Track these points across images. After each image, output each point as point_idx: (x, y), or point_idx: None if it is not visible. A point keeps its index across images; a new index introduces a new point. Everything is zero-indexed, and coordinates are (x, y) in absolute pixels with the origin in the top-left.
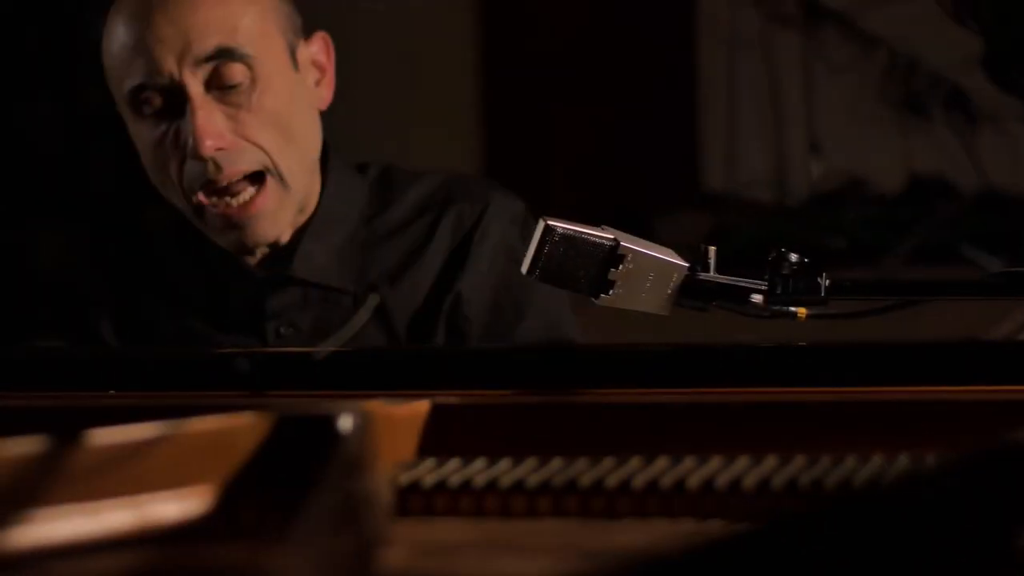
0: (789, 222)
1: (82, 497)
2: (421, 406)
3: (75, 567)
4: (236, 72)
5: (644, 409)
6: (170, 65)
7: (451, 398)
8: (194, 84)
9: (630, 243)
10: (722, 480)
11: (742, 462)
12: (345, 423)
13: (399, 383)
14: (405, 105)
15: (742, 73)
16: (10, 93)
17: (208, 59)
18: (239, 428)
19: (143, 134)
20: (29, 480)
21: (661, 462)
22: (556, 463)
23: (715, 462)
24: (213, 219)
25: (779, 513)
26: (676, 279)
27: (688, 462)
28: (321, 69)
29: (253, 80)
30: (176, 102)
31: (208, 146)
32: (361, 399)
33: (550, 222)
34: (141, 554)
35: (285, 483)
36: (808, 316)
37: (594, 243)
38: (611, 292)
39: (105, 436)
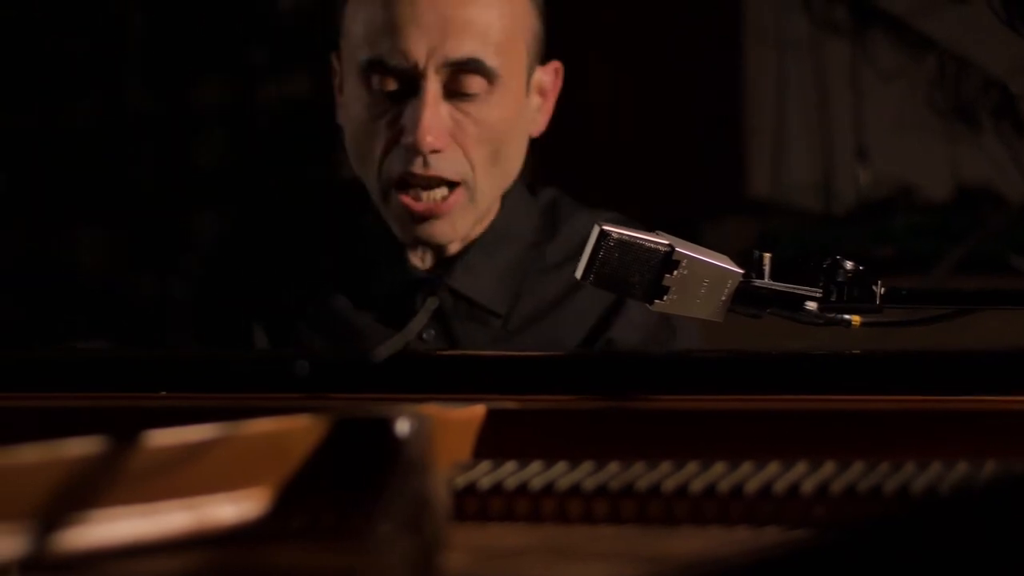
0: (836, 229)
1: (139, 498)
2: (477, 410)
3: (132, 568)
4: (475, 83)
5: (701, 415)
6: (418, 53)
7: (507, 402)
8: (434, 80)
9: (685, 249)
10: (780, 486)
11: (800, 468)
12: (403, 426)
13: (456, 387)
14: None
15: (790, 79)
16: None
17: (456, 63)
18: (296, 430)
19: (361, 105)
20: (87, 481)
21: (718, 467)
22: (612, 467)
23: (773, 467)
24: (398, 207)
25: (837, 521)
26: (731, 285)
27: (745, 467)
28: (544, 96)
29: (488, 94)
30: (408, 88)
31: (428, 143)
32: (417, 403)
33: (605, 227)
34: (198, 556)
35: (342, 486)
36: (862, 324)
37: (649, 248)
38: (665, 298)
39: (163, 437)
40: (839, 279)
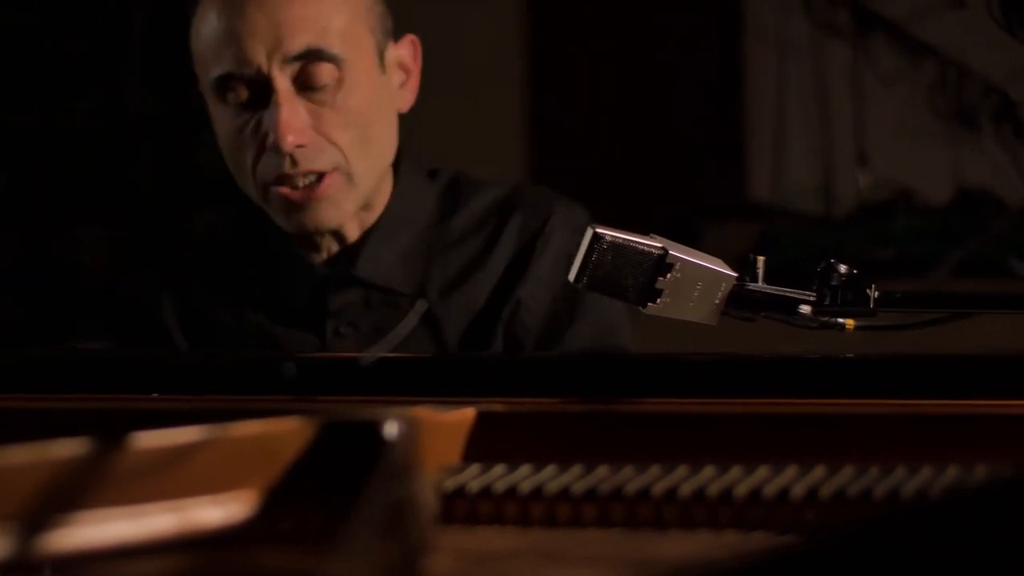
0: (836, 233)
1: (125, 500)
2: (467, 413)
3: (118, 570)
4: (324, 72)
5: (690, 419)
6: (259, 58)
7: (497, 405)
8: (281, 79)
9: (679, 252)
10: (769, 490)
11: (790, 472)
12: (391, 429)
13: (445, 390)
14: (456, 113)
15: (790, 82)
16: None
17: (298, 57)
18: (284, 433)
19: (224, 120)
20: (73, 483)
21: (707, 471)
22: (601, 471)
23: (762, 471)
24: (277, 201)
25: (827, 525)
26: (724, 289)
27: (735, 471)
28: (407, 71)
29: (340, 80)
30: (261, 94)
31: (290, 142)
32: (407, 405)
33: (598, 230)
34: (184, 558)
35: (329, 489)
36: (856, 328)
37: (642, 251)
38: (659, 301)
39: (149, 439)
40: (833, 283)
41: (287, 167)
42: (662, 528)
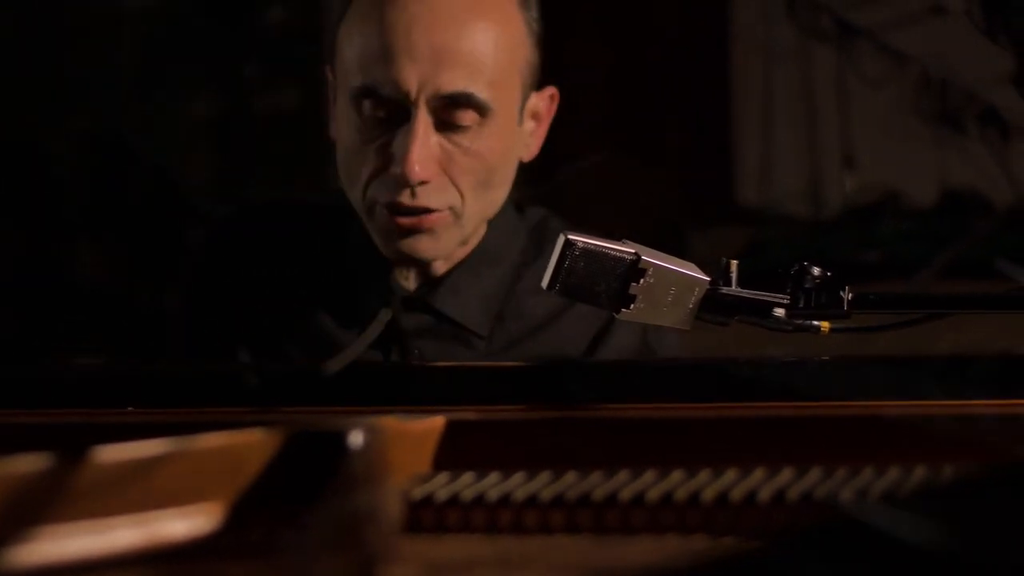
0: (823, 236)
1: (90, 514)
2: (436, 421)
3: None
4: (468, 116)
5: (658, 423)
6: (410, 84)
7: (466, 413)
8: (424, 111)
9: (651, 257)
10: (737, 493)
11: (757, 475)
12: (355, 439)
13: (415, 399)
14: None
15: (777, 87)
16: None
17: (448, 97)
18: (249, 444)
19: (350, 128)
20: (37, 497)
21: (675, 475)
22: (569, 477)
23: (730, 475)
24: (382, 221)
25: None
26: (698, 293)
27: (702, 475)
28: (539, 121)
29: (480, 125)
30: (399, 117)
31: (416, 174)
32: (376, 415)
33: (571, 236)
34: (149, 572)
35: (295, 500)
36: (831, 330)
37: (615, 257)
38: (632, 307)
39: (113, 453)
40: (807, 285)
41: (405, 197)
42: (631, 533)
